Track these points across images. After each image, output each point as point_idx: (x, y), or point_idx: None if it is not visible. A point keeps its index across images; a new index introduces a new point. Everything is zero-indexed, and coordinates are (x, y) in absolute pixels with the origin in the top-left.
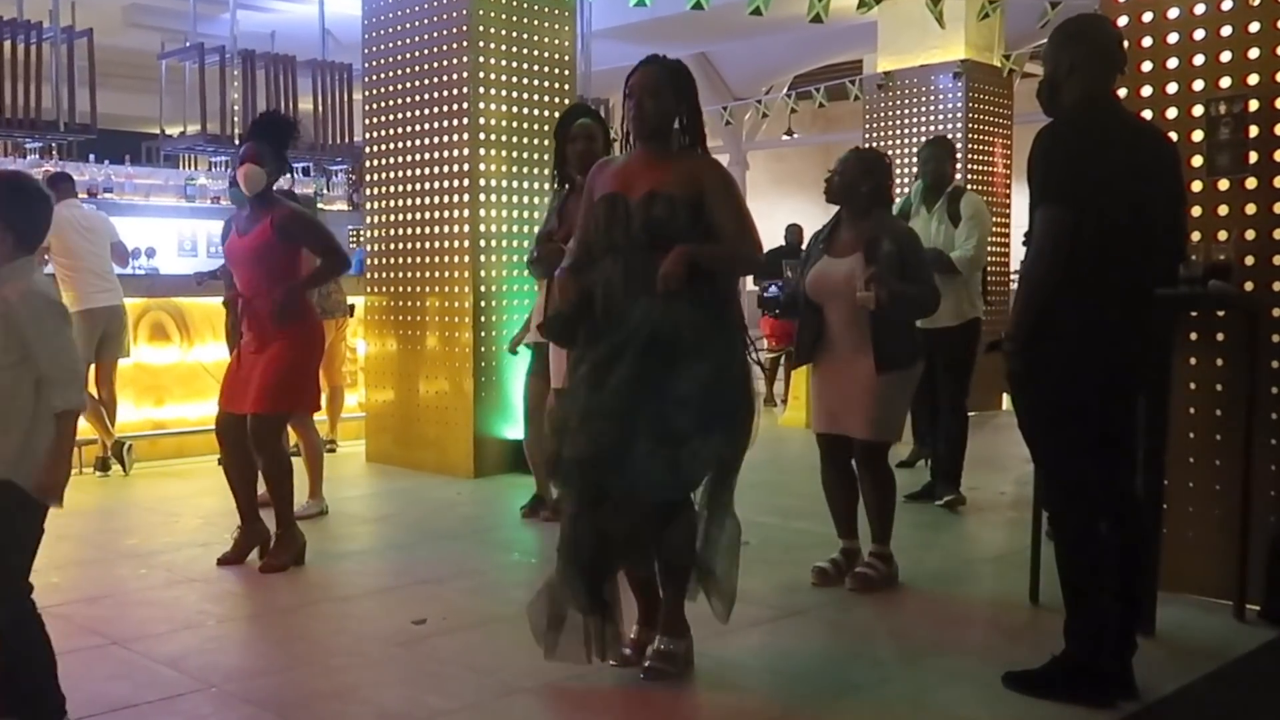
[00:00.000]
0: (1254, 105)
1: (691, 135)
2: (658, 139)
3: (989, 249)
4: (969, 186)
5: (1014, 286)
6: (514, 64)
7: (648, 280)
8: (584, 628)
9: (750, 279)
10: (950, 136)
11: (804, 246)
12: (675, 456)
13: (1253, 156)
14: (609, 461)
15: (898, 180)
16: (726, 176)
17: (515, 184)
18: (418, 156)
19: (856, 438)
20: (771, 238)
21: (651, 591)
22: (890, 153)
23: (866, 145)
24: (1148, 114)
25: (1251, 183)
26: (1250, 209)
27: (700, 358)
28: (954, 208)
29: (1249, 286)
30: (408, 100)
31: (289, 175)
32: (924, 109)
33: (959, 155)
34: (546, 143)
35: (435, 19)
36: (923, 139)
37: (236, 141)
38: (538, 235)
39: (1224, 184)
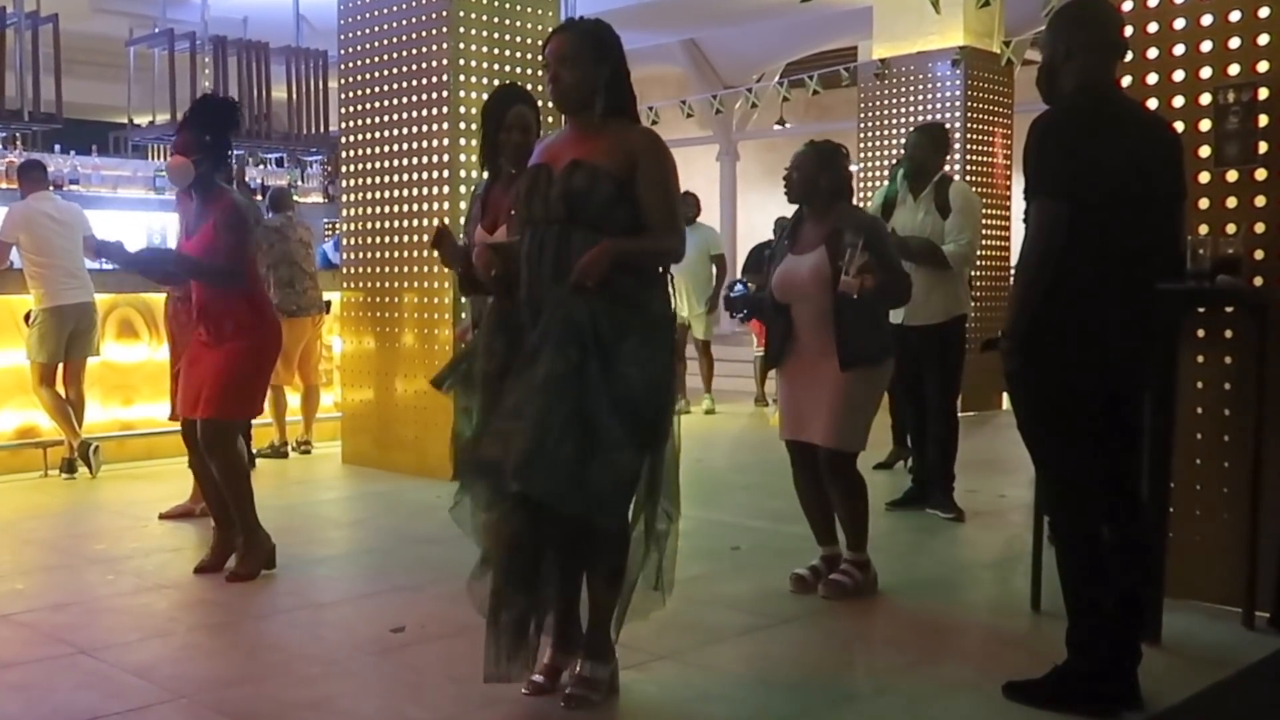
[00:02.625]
0: (1264, 93)
1: (616, 101)
2: (586, 110)
3: (985, 242)
4: (968, 178)
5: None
6: (496, 50)
7: (560, 259)
8: (498, 640)
9: (740, 275)
10: (948, 126)
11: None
12: (583, 467)
13: (1262, 147)
14: (515, 468)
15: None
16: (662, 151)
17: None
18: (396, 147)
19: (820, 446)
20: (762, 231)
21: (572, 614)
22: (886, 143)
23: (824, 139)
24: (1153, 102)
25: (1261, 174)
26: (1260, 201)
27: (617, 357)
28: (942, 197)
29: (1258, 281)
30: (385, 88)
31: (231, 164)
32: (921, 98)
33: (957, 146)
34: None
35: (414, 3)
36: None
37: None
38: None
39: (1232, 175)
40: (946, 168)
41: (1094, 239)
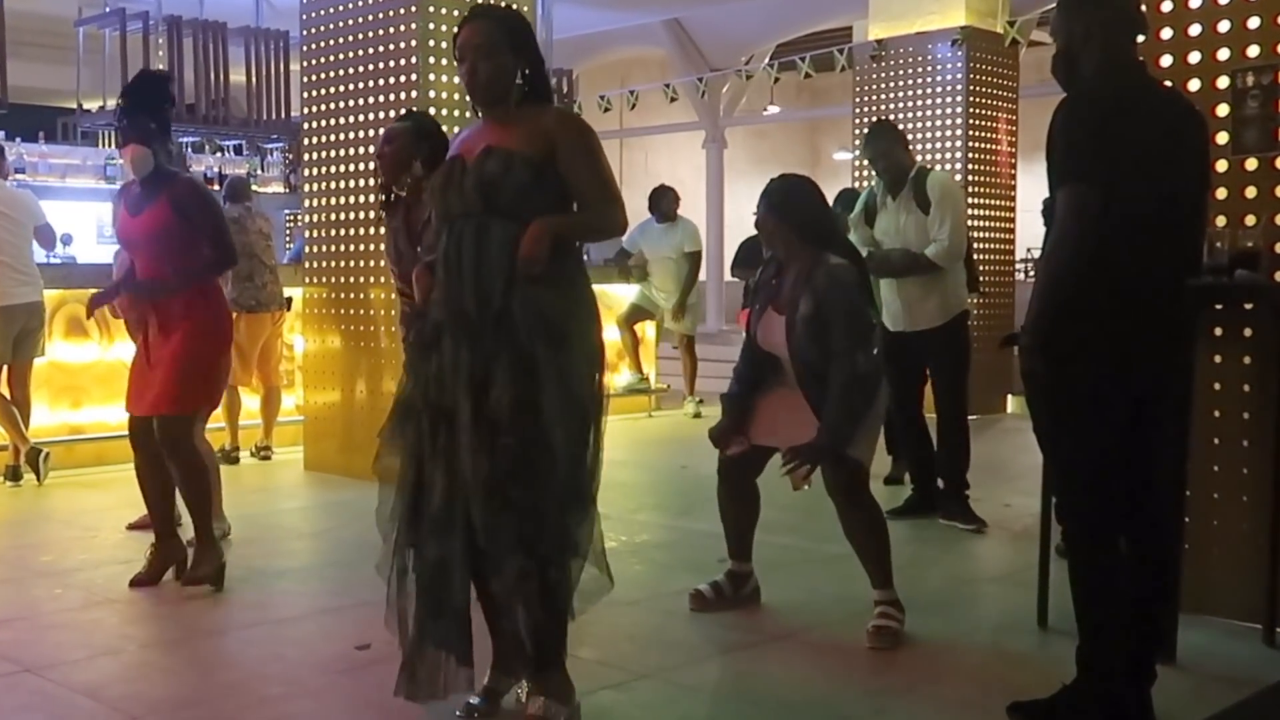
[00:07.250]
0: None
1: (537, 90)
2: (503, 103)
3: (989, 235)
4: (970, 168)
5: (1019, 276)
6: None
7: (480, 252)
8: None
9: (729, 270)
10: (949, 111)
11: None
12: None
13: None
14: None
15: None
16: (583, 129)
17: None
18: (362, 134)
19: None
20: (751, 223)
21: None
22: None
23: (786, 174)
24: (1167, 85)
25: None
26: None
27: (560, 353)
28: (920, 192)
29: (1279, 277)
30: (351, 71)
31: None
32: (920, 81)
33: (959, 132)
34: None
35: None
36: (919, 114)
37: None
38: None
39: (1251, 163)
40: (945, 154)
41: (1126, 228)
